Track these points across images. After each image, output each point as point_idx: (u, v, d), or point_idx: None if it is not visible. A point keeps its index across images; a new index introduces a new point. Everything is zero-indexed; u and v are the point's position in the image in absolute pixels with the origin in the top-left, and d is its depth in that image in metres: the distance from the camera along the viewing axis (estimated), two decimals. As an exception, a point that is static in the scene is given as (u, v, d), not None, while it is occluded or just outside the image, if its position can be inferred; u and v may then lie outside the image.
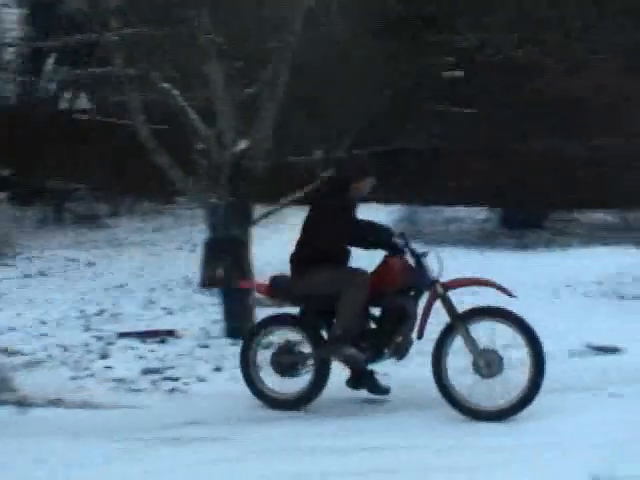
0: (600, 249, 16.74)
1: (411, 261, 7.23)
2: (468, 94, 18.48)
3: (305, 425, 6.92)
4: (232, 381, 8.34)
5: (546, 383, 7.02)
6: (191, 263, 14.83)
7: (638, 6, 14.98)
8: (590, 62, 14.98)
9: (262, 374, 7.52)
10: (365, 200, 7.72)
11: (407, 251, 7.22)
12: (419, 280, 7.19)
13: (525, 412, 6.82)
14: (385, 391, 7.51)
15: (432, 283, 7.08)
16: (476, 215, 19.20)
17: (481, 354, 6.82)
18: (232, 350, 9.43)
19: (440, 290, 7.03)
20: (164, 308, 12.09)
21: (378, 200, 20.12)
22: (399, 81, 15.25)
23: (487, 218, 19.32)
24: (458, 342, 6.97)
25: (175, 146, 11.07)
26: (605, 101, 13.88)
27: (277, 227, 16.21)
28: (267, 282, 7.66)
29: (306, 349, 7.42)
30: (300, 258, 7.35)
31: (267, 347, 7.65)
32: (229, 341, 9.83)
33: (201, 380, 8.45)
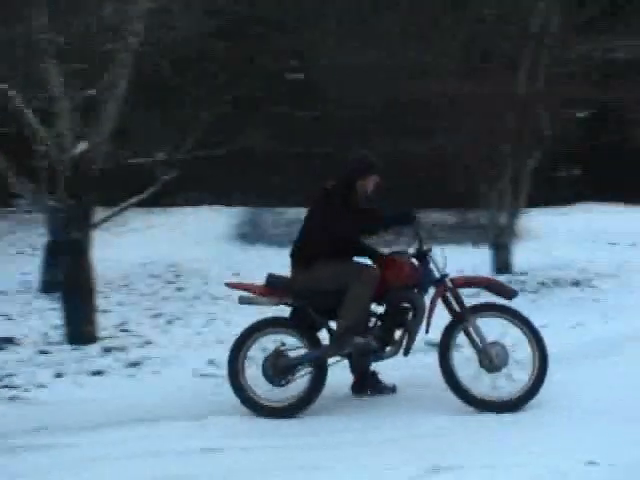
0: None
1: (414, 258, 7.31)
2: (311, 97, 18.66)
3: (152, 429, 6.85)
4: (74, 387, 8.22)
5: (385, 379, 7.31)
6: (31, 267, 14.54)
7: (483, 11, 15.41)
8: (431, 66, 15.31)
9: (253, 380, 7.22)
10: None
11: (416, 243, 7.32)
12: (423, 277, 7.25)
13: (359, 408, 7.11)
14: (391, 390, 7.54)
15: (440, 279, 7.18)
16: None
17: (488, 347, 7.00)
18: (73, 356, 9.30)
19: (449, 285, 7.16)
20: (2, 314, 11.80)
21: (221, 202, 20.20)
22: (241, 83, 15.28)
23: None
24: (463, 336, 7.13)
25: (15, 148, 10.83)
26: (445, 104, 14.19)
27: (119, 230, 16.06)
28: (261, 282, 7.43)
29: (302, 351, 7.24)
30: (305, 253, 7.23)
31: (260, 350, 7.37)
32: (70, 347, 9.68)
33: (42, 387, 8.27)
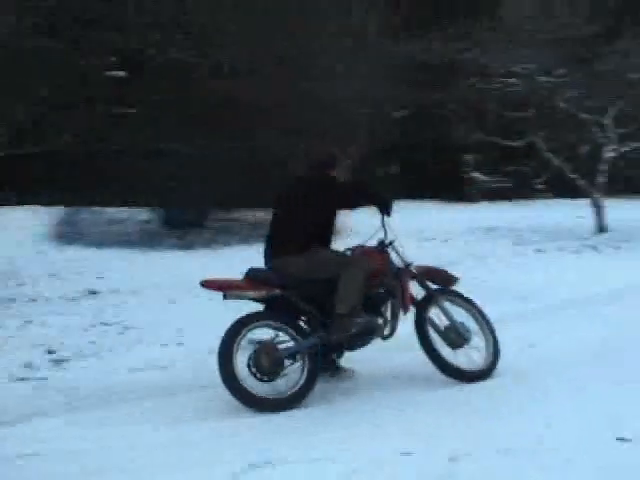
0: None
1: (378, 248, 7.82)
2: (130, 94, 18.46)
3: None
4: None
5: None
6: None
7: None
8: (243, 65, 15.41)
9: (247, 375, 6.97)
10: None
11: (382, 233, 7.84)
12: (389, 266, 7.70)
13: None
14: (352, 373, 7.73)
15: (405, 267, 7.76)
16: (138, 216, 19.16)
17: (457, 323, 7.67)
18: None
19: (414, 271, 7.78)
20: None
21: (37, 202, 19.74)
22: (58, 80, 14.98)
23: (149, 218, 19.33)
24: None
25: None
26: (265, 104, 14.32)
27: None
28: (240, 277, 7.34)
29: (292, 342, 7.15)
30: (294, 243, 7.34)
31: (251, 345, 7.13)
32: None
33: None
